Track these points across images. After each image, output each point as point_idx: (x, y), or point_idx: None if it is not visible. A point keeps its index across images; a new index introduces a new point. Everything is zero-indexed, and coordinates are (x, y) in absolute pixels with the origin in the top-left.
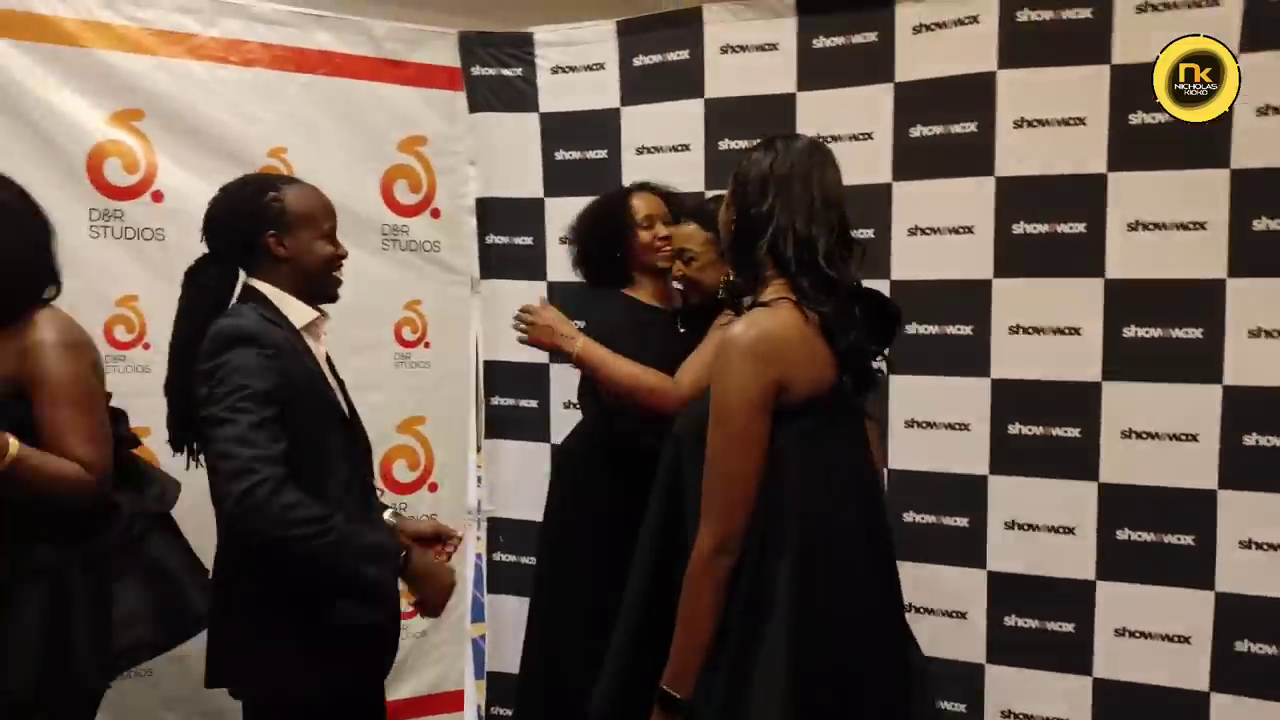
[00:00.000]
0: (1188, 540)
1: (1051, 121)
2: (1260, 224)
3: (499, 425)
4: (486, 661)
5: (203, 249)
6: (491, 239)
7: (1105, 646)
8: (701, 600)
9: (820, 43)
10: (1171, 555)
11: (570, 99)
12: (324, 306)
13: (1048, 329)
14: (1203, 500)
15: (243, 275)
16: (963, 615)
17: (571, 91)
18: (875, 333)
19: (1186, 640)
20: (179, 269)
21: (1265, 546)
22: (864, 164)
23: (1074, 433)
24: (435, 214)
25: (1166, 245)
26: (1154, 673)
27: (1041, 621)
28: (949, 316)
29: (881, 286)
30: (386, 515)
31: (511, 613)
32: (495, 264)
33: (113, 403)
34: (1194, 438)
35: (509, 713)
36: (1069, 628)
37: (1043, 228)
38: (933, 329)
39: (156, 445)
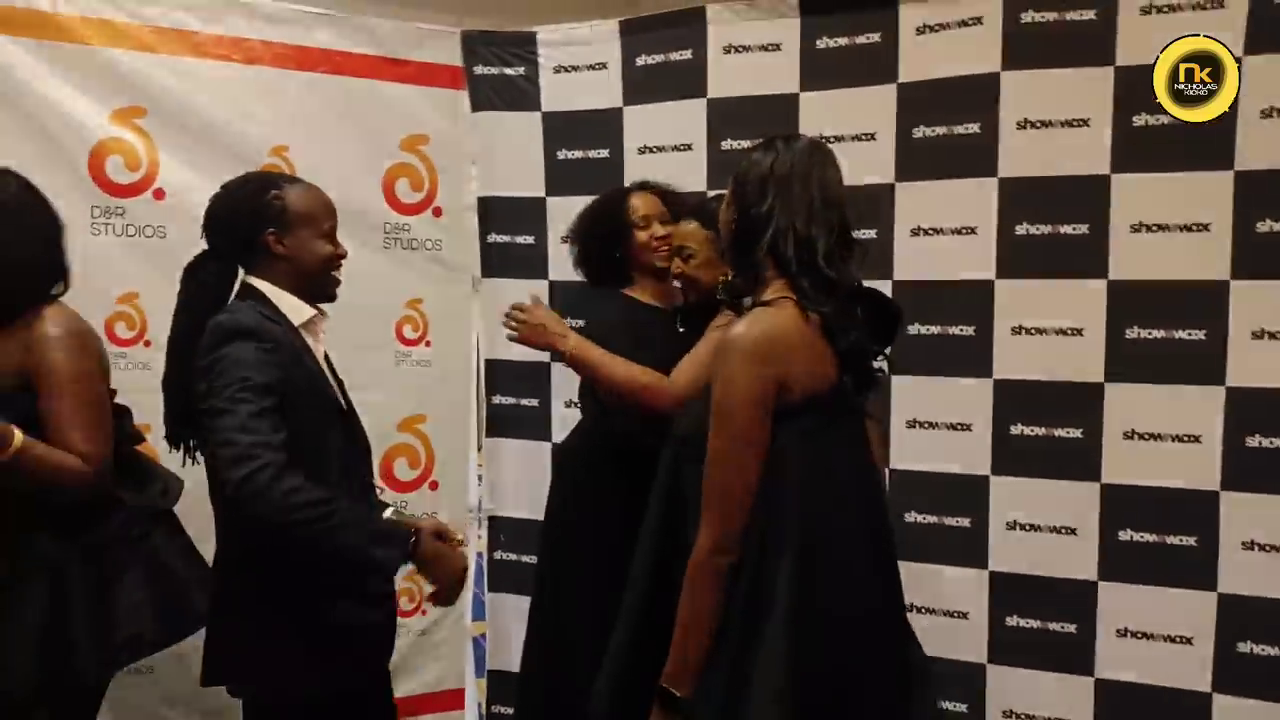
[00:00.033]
0: (1190, 541)
1: (1055, 123)
2: (1264, 226)
3: (500, 424)
4: (487, 660)
5: (204, 246)
6: (493, 238)
7: (1107, 647)
8: (702, 599)
9: (823, 43)
10: (1174, 556)
11: (573, 98)
12: (323, 305)
13: (1050, 330)
14: (1205, 501)
15: (241, 273)
16: (964, 615)
17: (574, 91)
18: (876, 333)
19: (1189, 641)
20: (180, 266)
21: (1268, 548)
22: (867, 164)
23: (1076, 433)
24: (437, 213)
25: (1170, 247)
26: (1156, 674)
27: (1043, 622)
28: (951, 317)
29: (884, 287)
30: (387, 514)
31: (512, 611)
32: (497, 263)
33: (115, 400)
34: (1196, 439)
35: (510, 711)
36: (1071, 628)
37: (1046, 229)
38: (935, 329)
39: (158, 442)
